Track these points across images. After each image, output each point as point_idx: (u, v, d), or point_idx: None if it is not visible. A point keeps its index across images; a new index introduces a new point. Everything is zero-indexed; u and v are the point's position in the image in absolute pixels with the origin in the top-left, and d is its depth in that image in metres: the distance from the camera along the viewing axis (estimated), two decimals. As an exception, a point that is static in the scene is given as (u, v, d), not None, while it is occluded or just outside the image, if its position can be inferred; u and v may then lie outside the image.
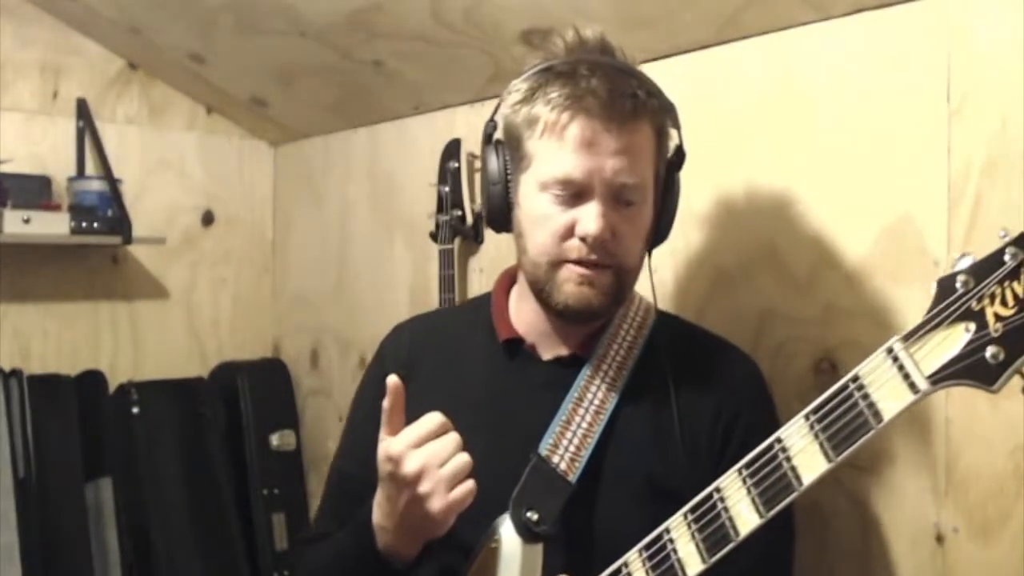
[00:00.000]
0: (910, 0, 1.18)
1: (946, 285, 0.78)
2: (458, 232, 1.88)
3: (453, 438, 0.97)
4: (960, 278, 0.77)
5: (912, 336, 0.79)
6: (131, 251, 2.41)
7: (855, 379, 0.81)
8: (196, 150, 2.54)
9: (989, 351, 0.75)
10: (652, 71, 1.52)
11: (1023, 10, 1.07)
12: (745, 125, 1.39)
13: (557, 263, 1.06)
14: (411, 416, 1.10)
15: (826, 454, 0.81)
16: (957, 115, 1.13)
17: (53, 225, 2.11)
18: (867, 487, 1.23)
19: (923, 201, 1.17)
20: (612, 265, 1.06)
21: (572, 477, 1.04)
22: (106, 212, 2.23)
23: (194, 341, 2.54)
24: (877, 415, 0.79)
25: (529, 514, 1.01)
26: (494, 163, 1.11)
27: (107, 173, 2.28)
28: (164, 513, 2.17)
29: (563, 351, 1.14)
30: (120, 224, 2.23)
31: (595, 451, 1.06)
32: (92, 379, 2.21)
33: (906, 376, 0.78)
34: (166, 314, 2.50)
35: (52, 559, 1.98)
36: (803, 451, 0.83)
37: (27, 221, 2.06)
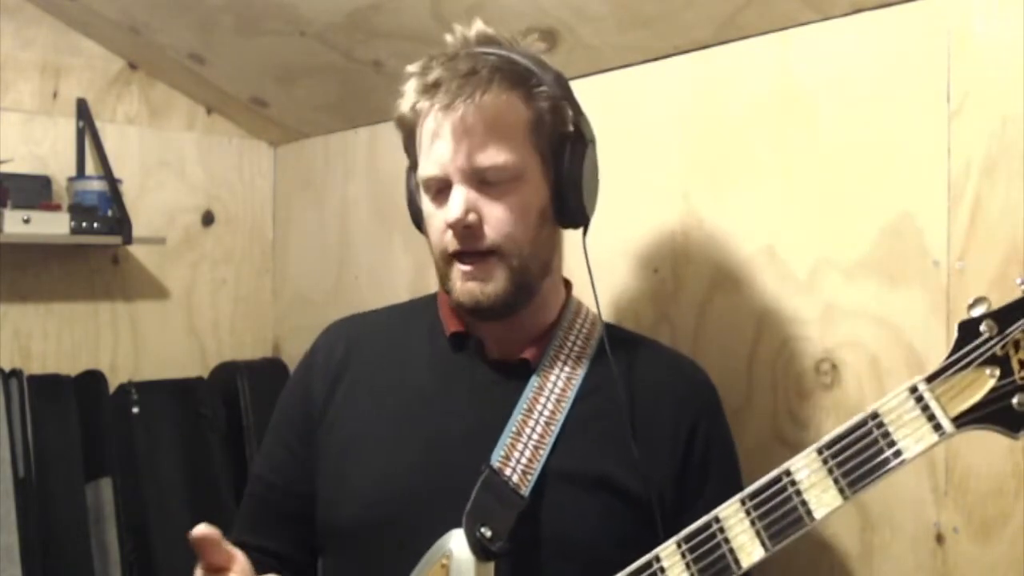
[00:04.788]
0: (910, 0, 1.18)
1: (969, 329, 0.79)
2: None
3: None
4: (985, 323, 0.78)
5: (936, 377, 0.79)
6: (131, 251, 2.41)
7: (874, 416, 0.80)
8: (196, 150, 2.54)
9: (1016, 399, 0.77)
10: (652, 71, 1.54)
11: (1023, 10, 1.07)
12: (745, 125, 1.38)
13: (447, 259, 1.05)
14: (355, 416, 1.11)
15: (841, 491, 0.80)
16: (957, 115, 1.13)
17: (53, 225, 2.11)
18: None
19: (923, 201, 1.17)
20: (490, 251, 1.02)
21: (525, 491, 1.01)
22: (106, 212, 2.23)
23: (194, 341, 2.54)
24: (898, 453, 0.79)
25: (483, 530, 0.97)
26: (409, 169, 1.13)
27: (107, 173, 2.28)
28: (164, 513, 2.16)
29: (510, 355, 1.10)
30: (120, 224, 2.22)
31: (547, 462, 1.03)
32: (92, 379, 2.20)
33: (931, 417, 0.78)
34: (166, 314, 2.49)
35: (52, 559, 1.98)
36: (815, 486, 0.82)
37: (27, 221, 2.06)
